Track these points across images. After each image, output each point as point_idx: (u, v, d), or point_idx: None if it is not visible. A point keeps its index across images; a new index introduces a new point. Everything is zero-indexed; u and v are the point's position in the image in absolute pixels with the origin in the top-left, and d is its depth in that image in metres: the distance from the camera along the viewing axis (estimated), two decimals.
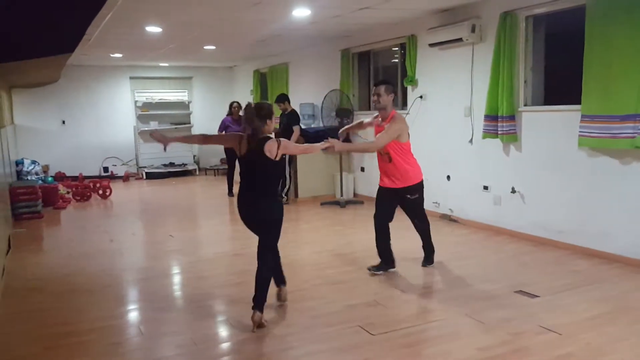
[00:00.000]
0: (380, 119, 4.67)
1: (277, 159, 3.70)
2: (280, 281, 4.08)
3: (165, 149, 4.05)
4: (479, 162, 6.43)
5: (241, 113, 9.53)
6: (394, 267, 4.75)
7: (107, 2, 4.07)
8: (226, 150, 9.45)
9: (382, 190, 4.74)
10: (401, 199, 4.69)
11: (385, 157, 4.64)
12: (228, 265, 5.30)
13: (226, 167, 9.85)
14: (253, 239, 3.90)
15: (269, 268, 3.78)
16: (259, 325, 3.62)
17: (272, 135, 3.78)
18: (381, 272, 4.70)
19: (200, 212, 8.93)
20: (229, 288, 4.59)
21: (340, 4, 6.04)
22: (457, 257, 5.31)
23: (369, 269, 4.73)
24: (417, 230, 4.93)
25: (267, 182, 3.78)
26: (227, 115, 9.51)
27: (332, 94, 8.29)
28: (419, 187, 4.68)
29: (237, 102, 9.57)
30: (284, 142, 3.73)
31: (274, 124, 3.82)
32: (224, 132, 9.31)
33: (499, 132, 5.92)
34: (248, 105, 3.82)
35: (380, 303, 4.06)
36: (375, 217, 4.77)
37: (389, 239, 4.74)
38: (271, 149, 3.64)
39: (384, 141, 4.47)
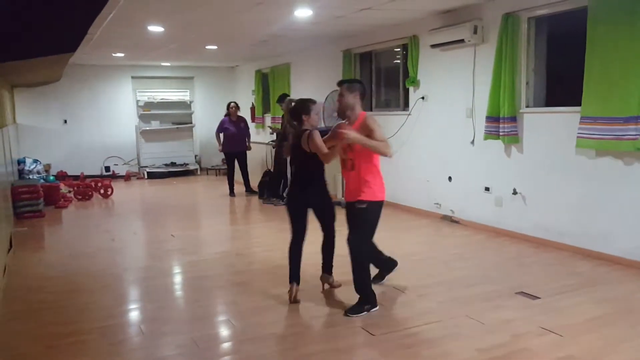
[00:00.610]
0: (346, 123, 3.98)
1: (310, 151, 3.84)
2: (295, 278, 4.15)
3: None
4: (481, 163, 6.43)
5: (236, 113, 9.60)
6: (395, 264, 4.52)
7: (109, 1, 4.08)
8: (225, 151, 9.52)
9: (347, 206, 4.13)
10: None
11: (348, 163, 3.87)
12: (229, 265, 5.30)
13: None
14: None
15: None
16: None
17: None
18: (385, 280, 4.52)
19: (202, 212, 8.93)
20: (229, 288, 4.60)
21: (341, 4, 6.04)
22: (457, 258, 5.32)
23: (374, 282, 4.37)
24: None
25: (309, 174, 4.00)
26: (225, 115, 9.48)
27: (334, 94, 8.24)
28: (373, 206, 3.85)
29: (235, 103, 9.57)
30: (312, 133, 3.89)
31: (314, 116, 4.02)
32: (221, 134, 9.35)
33: (501, 134, 5.92)
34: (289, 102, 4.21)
35: (380, 303, 4.04)
36: None
37: (376, 248, 4.40)
38: (303, 141, 3.82)
39: (383, 136, 3.82)
